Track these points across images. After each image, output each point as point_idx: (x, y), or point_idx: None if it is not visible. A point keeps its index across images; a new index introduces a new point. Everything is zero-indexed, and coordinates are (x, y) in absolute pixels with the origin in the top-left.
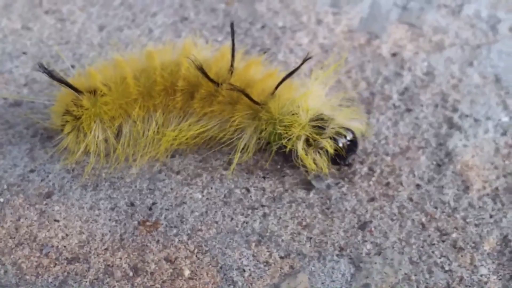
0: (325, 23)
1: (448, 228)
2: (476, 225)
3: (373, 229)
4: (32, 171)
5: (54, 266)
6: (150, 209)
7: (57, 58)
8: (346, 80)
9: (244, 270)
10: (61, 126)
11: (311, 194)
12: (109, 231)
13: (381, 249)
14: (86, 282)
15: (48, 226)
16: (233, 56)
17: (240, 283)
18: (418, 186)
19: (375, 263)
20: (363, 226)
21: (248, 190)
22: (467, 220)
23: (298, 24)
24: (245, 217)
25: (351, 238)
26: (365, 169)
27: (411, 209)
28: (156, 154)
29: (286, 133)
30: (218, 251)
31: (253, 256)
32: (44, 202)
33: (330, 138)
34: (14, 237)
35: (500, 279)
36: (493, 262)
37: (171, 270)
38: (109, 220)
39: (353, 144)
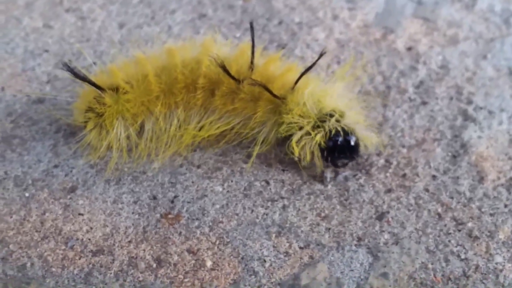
0: (341, 18)
1: (464, 218)
2: (491, 215)
3: (390, 219)
4: (56, 166)
5: (79, 259)
6: (172, 202)
7: (78, 55)
8: (362, 74)
9: (264, 261)
10: (83, 123)
11: (329, 186)
12: (132, 224)
13: (398, 239)
14: (111, 273)
15: (72, 220)
16: (253, 53)
17: (261, 273)
18: (434, 177)
19: (393, 252)
20: (380, 216)
21: (267, 183)
22: (482, 210)
23: (314, 20)
24: (265, 209)
25: (369, 228)
26: (382, 161)
27: (427, 200)
28: (178, 149)
29: (291, 122)
30: (239, 242)
31: (273, 247)
32: (69, 197)
33: (327, 134)
34: (40, 231)
35: None
36: (508, 251)
37: (193, 261)
38: (132, 213)
39: (349, 149)
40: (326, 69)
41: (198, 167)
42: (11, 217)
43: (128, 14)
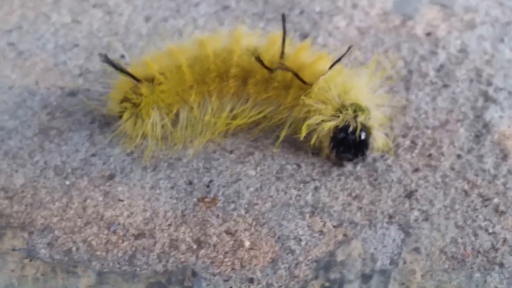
0: (360, 6)
1: (490, 194)
2: None
3: (419, 197)
4: (93, 155)
5: (122, 242)
6: (208, 186)
7: (107, 49)
8: (384, 60)
9: (300, 240)
10: (119, 113)
11: (358, 167)
12: (171, 208)
13: (428, 216)
14: (154, 255)
15: (113, 206)
16: (283, 42)
17: (298, 251)
18: (458, 156)
19: (423, 228)
20: (409, 195)
21: (299, 166)
22: (507, 186)
23: (334, 9)
24: (298, 190)
25: (399, 206)
26: (408, 142)
27: (453, 178)
28: (212, 136)
29: (312, 105)
30: (274, 223)
31: (308, 226)
32: (108, 184)
33: (341, 125)
34: (82, 217)
35: None
36: None
37: (232, 242)
38: (170, 198)
39: (356, 147)
40: (348, 56)
41: (231, 152)
42: (54, 204)
43: (153, 8)
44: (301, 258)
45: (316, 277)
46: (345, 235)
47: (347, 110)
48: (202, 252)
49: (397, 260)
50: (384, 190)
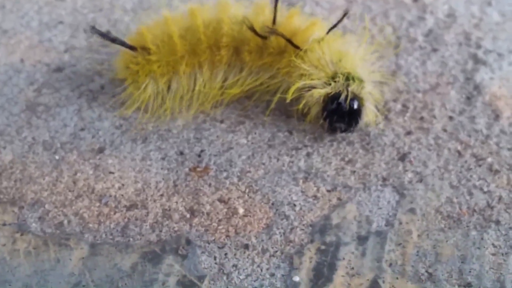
0: None
1: (483, 154)
2: (509, 149)
3: (412, 159)
4: (82, 129)
5: (114, 214)
6: (199, 156)
7: (93, 25)
8: (372, 27)
9: (295, 205)
10: (124, 78)
11: (350, 133)
12: (163, 179)
13: (422, 177)
14: (147, 225)
15: (104, 178)
16: (275, 9)
17: (292, 216)
18: (450, 118)
19: (418, 189)
20: (402, 157)
21: (290, 133)
22: (500, 145)
23: None
24: (290, 157)
25: (393, 169)
26: (399, 106)
27: (446, 139)
28: (203, 107)
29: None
30: (268, 189)
31: (302, 191)
32: (98, 157)
33: (333, 93)
34: (73, 190)
35: None
36: None
37: (225, 210)
38: (161, 168)
39: (350, 115)
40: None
41: (221, 122)
42: (43, 179)
43: None
44: (296, 223)
45: (311, 241)
46: (339, 199)
47: (339, 77)
48: (195, 220)
49: (393, 222)
50: (377, 153)
